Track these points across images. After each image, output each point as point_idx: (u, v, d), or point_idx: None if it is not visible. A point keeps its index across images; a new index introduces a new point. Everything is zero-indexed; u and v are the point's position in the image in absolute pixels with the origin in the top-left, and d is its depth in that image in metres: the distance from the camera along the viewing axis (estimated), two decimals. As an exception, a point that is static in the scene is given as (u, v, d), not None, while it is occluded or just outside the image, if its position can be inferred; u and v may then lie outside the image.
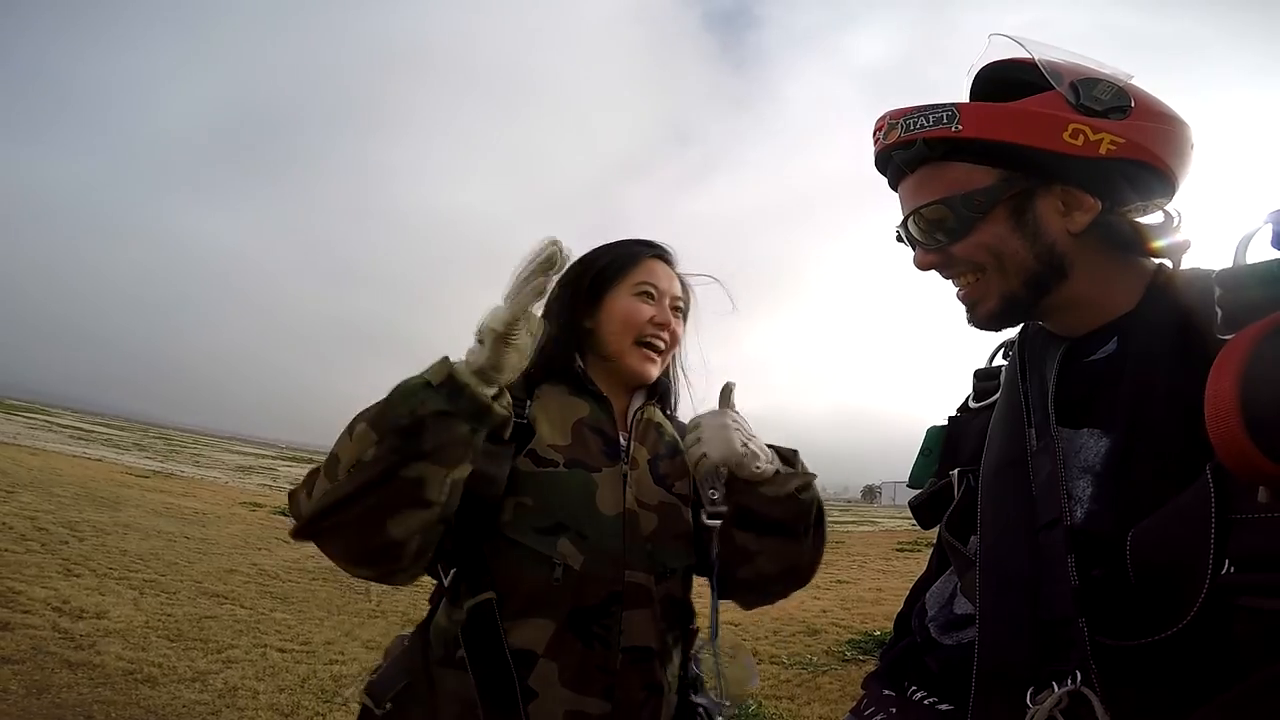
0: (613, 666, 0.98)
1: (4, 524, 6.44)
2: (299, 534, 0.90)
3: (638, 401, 1.20)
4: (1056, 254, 0.73)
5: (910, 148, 0.75)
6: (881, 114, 0.78)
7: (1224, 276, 0.60)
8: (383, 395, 0.90)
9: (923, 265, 0.79)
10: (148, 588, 5.26)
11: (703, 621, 1.14)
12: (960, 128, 0.72)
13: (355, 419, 0.90)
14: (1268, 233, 0.58)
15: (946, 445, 0.94)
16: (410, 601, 6.00)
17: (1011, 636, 0.68)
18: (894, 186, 0.82)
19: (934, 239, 0.77)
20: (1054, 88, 0.71)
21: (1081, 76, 0.72)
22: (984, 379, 0.93)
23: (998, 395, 0.86)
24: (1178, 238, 0.74)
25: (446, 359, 0.91)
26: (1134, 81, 0.73)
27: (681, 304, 1.21)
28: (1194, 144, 0.73)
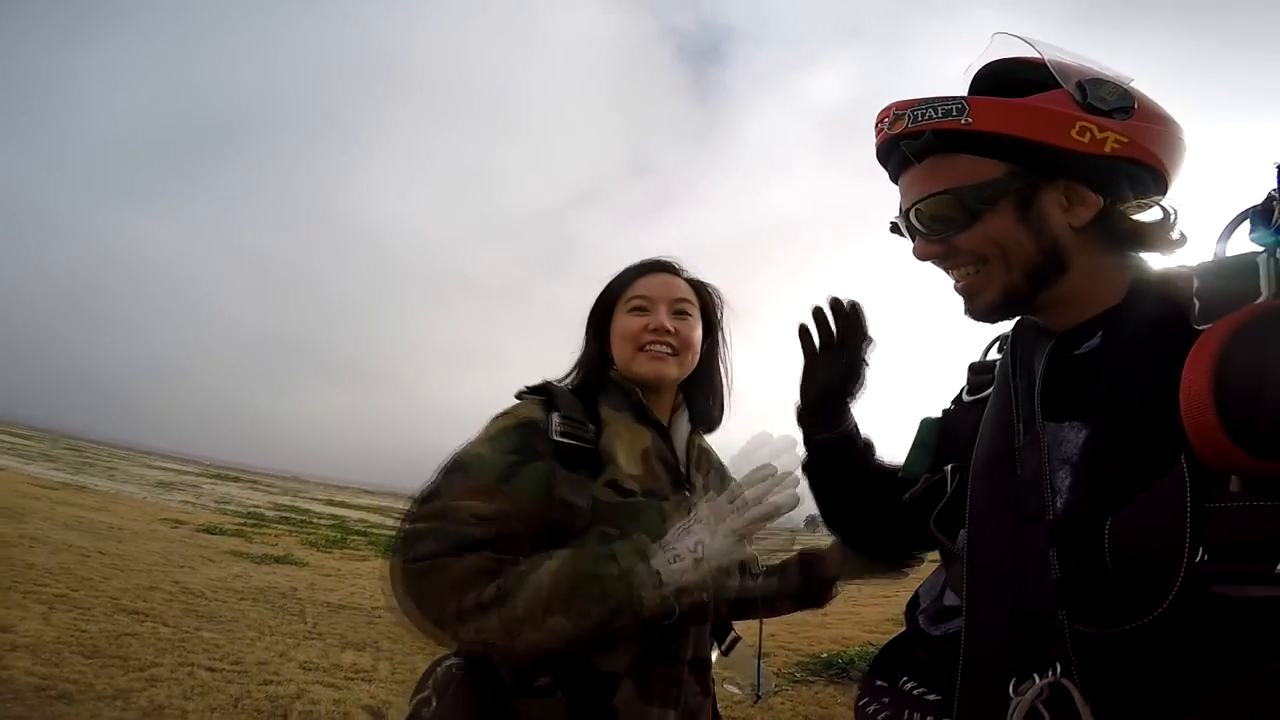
0: (679, 678, 1.06)
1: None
2: (471, 648, 0.96)
3: (683, 426, 1.24)
4: (1059, 248, 0.74)
5: (919, 138, 0.74)
6: (885, 106, 0.79)
7: (1202, 269, 0.63)
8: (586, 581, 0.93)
9: (923, 256, 0.80)
10: (58, 602, 4.82)
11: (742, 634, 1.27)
12: (970, 120, 0.72)
13: (550, 604, 0.91)
14: (1248, 227, 0.61)
15: (940, 439, 0.94)
16: (349, 624, 5.69)
17: (994, 629, 0.68)
18: (895, 178, 0.82)
19: (937, 230, 0.77)
20: (1061, 86, 0.72)
21: (1088, 77, 0.73)
22: (978, 372, 0.94)
23: (991, 389, 0.87)
24: (1174, 234, 0.76)
25: (657, 575, 0.94)
26: (1134, 84, 0.75)
27: (687, 306, 1.22)
28: (1187, 146, 0.76)
